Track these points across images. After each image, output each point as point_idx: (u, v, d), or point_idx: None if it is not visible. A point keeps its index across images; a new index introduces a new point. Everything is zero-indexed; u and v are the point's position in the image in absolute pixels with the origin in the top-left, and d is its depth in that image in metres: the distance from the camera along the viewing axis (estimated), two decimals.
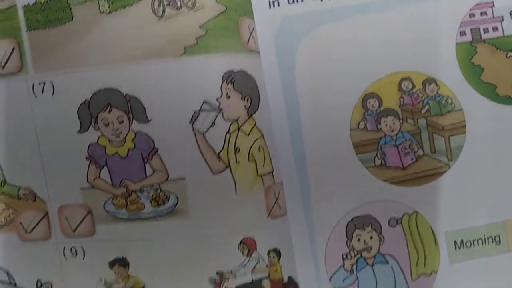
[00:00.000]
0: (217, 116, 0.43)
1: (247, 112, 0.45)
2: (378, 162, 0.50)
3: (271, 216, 0.46)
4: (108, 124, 0.44)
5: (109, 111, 0.44)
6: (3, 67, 0.44)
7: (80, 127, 0.44)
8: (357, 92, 0.50)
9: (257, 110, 0.45)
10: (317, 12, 0.49)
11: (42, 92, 0.44)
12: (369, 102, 0.50)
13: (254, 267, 0.45)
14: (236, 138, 0.44)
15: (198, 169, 0.43)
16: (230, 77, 0.44)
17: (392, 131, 0.50)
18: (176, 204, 0.44)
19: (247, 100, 0.45)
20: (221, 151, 0.44)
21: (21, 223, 0.47)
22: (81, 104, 0.44)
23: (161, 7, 0.43)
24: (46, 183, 0.45)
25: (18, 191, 0.46)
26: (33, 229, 0.46)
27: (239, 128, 0.44)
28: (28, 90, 0.44)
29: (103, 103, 0.43)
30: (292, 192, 0.49)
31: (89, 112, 0.44)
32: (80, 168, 0.45)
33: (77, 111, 0.44)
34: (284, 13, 0.49)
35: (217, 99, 0.43)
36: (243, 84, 0.44)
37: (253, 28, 0.46)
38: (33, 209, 0.46)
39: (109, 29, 0.43)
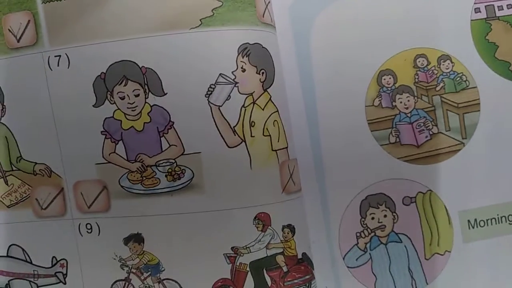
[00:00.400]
0: (232, 89, 0.43)
1: (262, 86, 0.45)
2: (392, 139, 0.50)
3: (286, 192, 0.46)
4: (124, 98, 0.44)
5: (125, 84, 0.43)
6: (19, 40, 0.44)
7: (96, 100, 0.44)
8: (372, 68, 0.50)
9: (272, 84, 0.45)
10: None
11: (58, 65, 0.44)
12: (384, 79, 0.50)
13: (269, 243, 0.45)
14: (252, 112, 0.44)
15: (214, 143, 0.43)
16: (245, 50, 0.44)
17: (407, 108, 0.50)
18: (192, 178, 0.44)
19: (262, 73, 0.45)
20: (236, 125, 0.44)
21: (36, 199, 0.46)
22: (96, 77, 0.43)
23: None
24: (62, 158, 0.45)
25: (34, 166, 0.46)
26: (48, 205, 0.46)
27: (254, 102, 0.44)
28: (43, 63, 0.44)
29: (119, 76, 0.43)
30: (306, 169, 0.49)
31: (105, 85, 0.44)
32: (95, 143, 0.44)
33: (93, 85, 0.44)
34: None
35: (232, 72, 0.43)
36: (258, 58, 0.44)
37: (269, 1, 0.46)
38: (49, 185, 0.46)
39: (124, 1, 0.43)
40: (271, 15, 0.46)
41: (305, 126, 0.50)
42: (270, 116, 0.45)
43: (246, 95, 0.44)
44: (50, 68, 0.44)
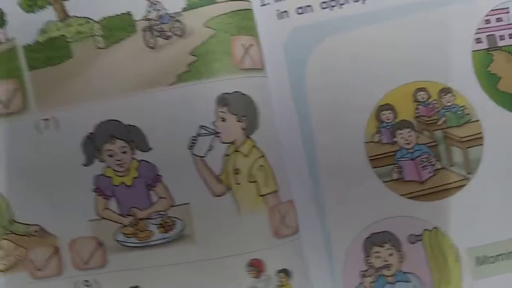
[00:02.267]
0: (213, 139, 0.57)
1: (245, 132, 0.58)
2: (395, 176, 0.61)
3: (278, 236, 0.58)
4: (112, 155, 0.58)
5: (113, 142, 0.58)
6: (7, 107, 0.59)
7: (86, 159, 0.58)
8: (370, 103, 0.61)
9: (256, 129, 0.58)
10: (328, 22, 0.61)
11: (47, 128, 0.59)
12: (384, 114, 0.61)
13: None
14: (235, 160, 0.57)
15: (201, 193, 0.57)
16: (224, 100, 0.57)
17: (409, 144, 0.61)
18: (183, 229, 0.58)
19: (244, 121, 0.57)
20: (220, 174, 0.57)
21: (32, 260, 0.59)
22: (85, 138, 0.58)
23: (152, 38, 0.58)
24: (55, 218, 0.59)
25: (27, 229, 0.59)
26: (44, 266, 0.59)
27: (237, 150, 0.57)
28: (32, 127, 0.59)
29: (106, 135, 0.58)
30: (306, 208, 0.61)
31: (93, 144, 0.58)
32: (87, 200, 0.58)
33: (82, 145, 0.58)
34: (294, 23, 0.61)
35: (212, 123, 0.57)
36: (238, 106, 0.57)
37: (250, 45, 0.59)
38: (44, 246, 0.59)
39: (106, 63, 0.58)
40: (253, 59, 0.58)
41: (303, 165, 0.61)
42: (255, 162, 0.58)
43: (228, 144, 0.58)
44: (40, 132, 0.59)
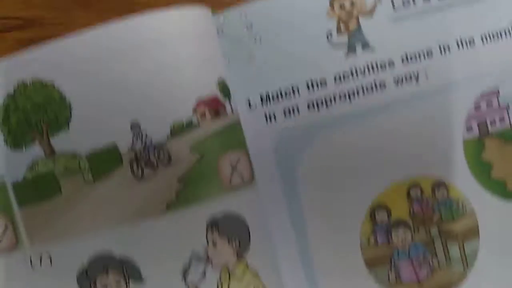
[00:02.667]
0: (205, 267, 0.57)
1: (237, 254, 0.57)
2: (392, 277, 0.61)
3: None
4: (106, 287, 0.58)
5: (107, 275, 0.58)
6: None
7: None
8: (364, 204, 0.61)
9: (248, 249, 0.58)
10: (315, 123, 0.61)
11: (40, 264, 0.59)
12: (378, 215, 0.61)
13: None
14: (229, 285, 0.57)
15: None
16: (213, 224, 0.57)
17: (404, 243, 0.61)
18: None
19: (235, 242, 0.58)
20: None
21: None
22: (79, 271, 0.58)
23: (139, 169, 0.58)
24: None
25: None
26: None
27: (230, 274, 0.57)
28: (25, 263, 0.59)
29: (99, 267, 0.58)
30: None
31: (88, 278, 0.58)
32: None
33: (76, 278, 0.58)
34: (282, 126, 0.61)
35: (204, 249, 0.57)
36: (228, 228, 0.57)
37: (238, 160, 0.59)
38: None
39: (95, 197, 0.58)
40: (245, 173, 0.58)
41: (300, 272, 0.61)
42: (248, 285, 0.57)
43: (220, 269, 0.57)
44: (33, 268, 0.59)
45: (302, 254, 0.61)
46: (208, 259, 0.57)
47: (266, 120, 0.62)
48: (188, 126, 0.58)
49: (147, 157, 0.58)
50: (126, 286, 0.58)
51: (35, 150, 0.59)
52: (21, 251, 0.59)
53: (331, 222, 0.61)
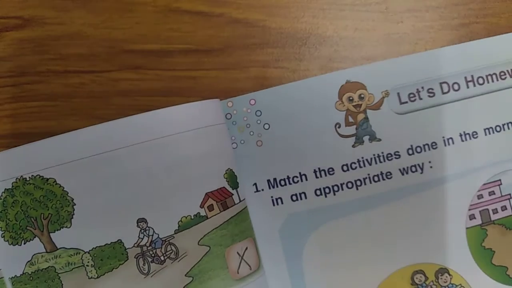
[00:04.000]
0: None
1: None
2: None
3: None
4: None
5: None
6: None
7: None
8: None
9: None
10: (322, 208, 0.60)
11: None
12: None
13: None
14: None
15: None
16: None
17: None
18: None
19: None
20: None
21: None
22: None
23: (146, 264, 0.54)
24: None
25: None
26: None
27: None
28: None
29: None
30: None
31: None
32: None
33: None
34: (288, 210, 0.60)
35: None
36: None
37: (246, 249, 0.57)
38: None
39: None
40: (252, 261, 0.57)
41: None
42: None
43: None
44: None
45: None
46: None
47: (273, 203, 0.60)
48: (196, 219, 0.55)
49: (154, 252, 0.54)
50: None
51: (35, 245, 0.55)
52: None
53: None
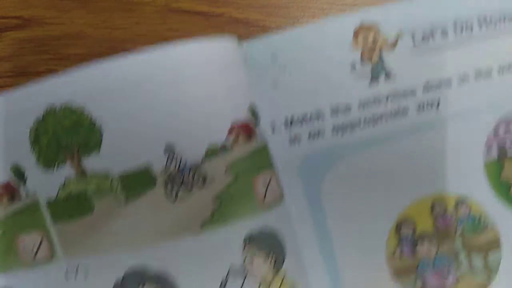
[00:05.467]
0: (244, 282, 0.53)
1: (273, 269, 0.54)
2: (418, 287, 0.59)
3: None
4: None
5: None
6: (34, 257, 0.55)
7: None
8: (389, 219, 0.59)
9: (283, 263, 0.55)
10: (340, 146, 0.58)
11: (75, 277, 0.55)
12: (404, 228, 0.59)
13: None
14: None
15: None
16: (251, 241, 0.53)
17: (429, 255, 0.59)
18: None
19: (272, 257, 0.54)
20: None
21: None
22: (114, 285, 0.54)
23: (174, 190, 0.53)
24: None
25: None
26: None
27: None
28: (60, 276, 0.55)
29: (135, 282, 0.54)
30: None
31: None
32: None
33: None
34: (305, 149, 0.59)
35: (241, 265, 0.53)
36: (265, 244, 0.54)
37: (270, 180, 0.56)
38: None
39: (127, 217, 0.53)
40: (276, 191, 0.56)
41: (327, 284, 0.59)
42: None
43: (258, 284, 0.54)
44: (67, 280, 0.55)
45: (329, 268, 0.59)
46: (245, 274, 0.53)
47: (290, 143, 0.59)
48: (222, 149, 0.54)
49: (182, 178, 0.53)
50: None
51: (67, 170, 0.55)
52: (57, 264, 0.55)
53: (356, 236, 0.59)
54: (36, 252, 0.56)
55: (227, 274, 0.53)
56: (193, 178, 0.54)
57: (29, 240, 0.56)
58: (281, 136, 0.59)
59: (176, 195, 0.54)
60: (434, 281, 0.59)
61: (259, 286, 0.54)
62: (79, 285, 0.55)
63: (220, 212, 0.53)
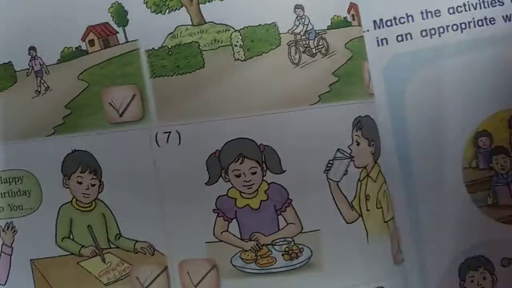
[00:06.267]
0: (349, 164, 0.49)
1: (373, 157, 0.51)
2: (490, 201, 0.57)
3: (396, 263, 0.52)
4: (239, 176, 0.49)
5: (241, 162, 0.49)
6: (121, 114, 0.49)
7: (209, 178, 0.49)
8: (468, 130, 0.57)
9: (380, 154, 0.52)
10: (427, 49, 0.57)
11: (167, 141, 0.49)
12: (481, 140, 0.57)
13: None
14: (366, 185, 0.50)
15: (332, 220, 0.49)
16: (359, 124, 0.50)
17: (503, 169, 0.57)
18: (310, 257, 0.49)
19: (373, 145, 0.51)
20: (353, 200, 0.50)
21: (137, 277, 0.51)
22: (210, 155, 0.49)
23: (297, 54, 0.49)
24: (167, 236, 0.50)
25: (134, 244, 0.50)
26: (150, 284, 0.51)
27: (368, 175, 0.51)
28: (150, 139, 0.49)
29: (235, 153, 0.49)
30: (405, 235, 0.56)
31: (220, 163, 0.49)
32: (206, 221, 0.49)
33: (206, 162, 0.49)
34: (393, 50, 0.57)
35: (348, 147, 0.49)
36: (369, 130, 0.51)
37: (369, 71, 0.53)
38: (151, 264, 0.50)
39: (244, 77, 0.48)
40: (372, 85, 0.53)
41: (402, 192, 0.57)
42: (380, 187, 0.51)
43: (361, 169, 0.50)
44: (158, 145, 0.49)
45: (405, 174, 0.58)
46: (352, 157, 0.50)
47: (378, 44, 0.57)
48: (344, 23, 0.52)
49: (307, 43, 0.49)
50: (262, 175, 0.49)
51: (181, 16, 0.49)
52: (147, 126, 0.49)
53: (434, 146, 0.57)
54: (125, 109, 0.49)
55: (335, 155, 0.50)
56: (317, 45, 0.50)
57: (118, 94, 0.50)
58: (370, 36, 0.57)
59: (300, 59, 0.49)
60: (505, 196, 0.58)
61: (361, 171, 0.51)
62: (169, 151, 0.50)
63: (337, 87, 0.50)
